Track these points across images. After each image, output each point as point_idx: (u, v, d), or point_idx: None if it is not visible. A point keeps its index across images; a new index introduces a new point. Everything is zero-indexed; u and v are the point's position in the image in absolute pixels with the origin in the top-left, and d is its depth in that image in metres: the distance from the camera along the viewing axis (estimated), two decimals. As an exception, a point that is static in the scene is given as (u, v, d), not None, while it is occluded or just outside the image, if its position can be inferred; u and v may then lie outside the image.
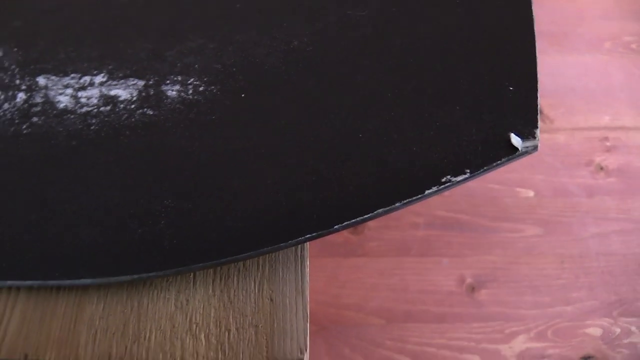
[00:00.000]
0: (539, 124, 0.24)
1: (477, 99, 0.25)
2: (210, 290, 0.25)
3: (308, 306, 0.25)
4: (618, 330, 0.47)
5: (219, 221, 0.25)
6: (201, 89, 0.28)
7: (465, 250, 0.48)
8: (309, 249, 0.48)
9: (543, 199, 0.54)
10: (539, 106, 0.24)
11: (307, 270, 0.26)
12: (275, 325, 0.24)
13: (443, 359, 0.44)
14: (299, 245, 0.26)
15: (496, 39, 0.26)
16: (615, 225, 0.54)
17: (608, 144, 0.61)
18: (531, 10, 0.26)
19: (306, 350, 0.24)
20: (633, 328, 0.47)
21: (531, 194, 0.55)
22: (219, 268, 0.26)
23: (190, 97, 0.28)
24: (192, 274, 0.26)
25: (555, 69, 0.65)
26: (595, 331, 0.46)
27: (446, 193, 0.50)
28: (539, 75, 0.25)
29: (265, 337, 0.24)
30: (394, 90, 0.26)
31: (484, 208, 0.52)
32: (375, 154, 0.25)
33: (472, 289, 0.47)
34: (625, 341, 0.46)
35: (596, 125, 0.62)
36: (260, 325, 0.24)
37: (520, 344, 0.45)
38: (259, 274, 0.25)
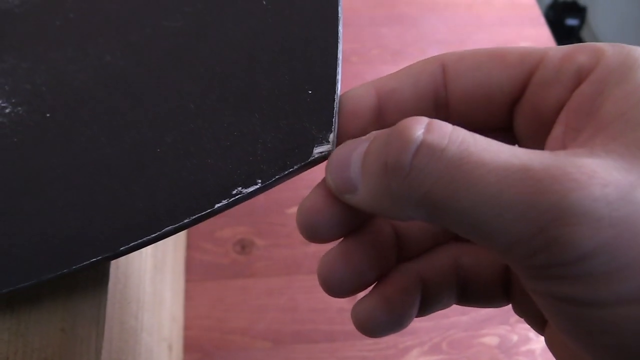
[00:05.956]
0: (335, 128, 0.23)
1: (275, 104, 0.24)
2: (1, 323, 0.23)
3: (104, 337, 0.23)
4: (515, 337, 0.45)
5: (6, 248, 0.23)
6: (7, 110, 0.27)
7: (356, 264, 0.46)
8: (194, 273, 0.46)
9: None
10: (336, 109, 0.23)
11: (107, 299, 0.24)
12: (65, 357, 0.23)
13: (333, 380, 0.42)
14: (98, 274, 0.24)
15: (300, 44, 0.25)
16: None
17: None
18: (337, 13, 0.25)
19: (96, 385, 0.22)
20: (531, 334, 0.46)
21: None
22: (10, 299, 0.24)
23: (-3, 120, 0.27)
24: (-21, 308, 0.24)
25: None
26: (492, 340, 0.45)
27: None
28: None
29: (51, 373, 0.22)
30: (197, 101, 0.25)
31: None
32: (170, 169, 0.23)
33: (364, 304, 0.45)
34: (523, 349, 0.45)
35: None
36: (49, 359, 0.22)
37: (413, 358, 0.43)
38: (54, 304, 0.24)
